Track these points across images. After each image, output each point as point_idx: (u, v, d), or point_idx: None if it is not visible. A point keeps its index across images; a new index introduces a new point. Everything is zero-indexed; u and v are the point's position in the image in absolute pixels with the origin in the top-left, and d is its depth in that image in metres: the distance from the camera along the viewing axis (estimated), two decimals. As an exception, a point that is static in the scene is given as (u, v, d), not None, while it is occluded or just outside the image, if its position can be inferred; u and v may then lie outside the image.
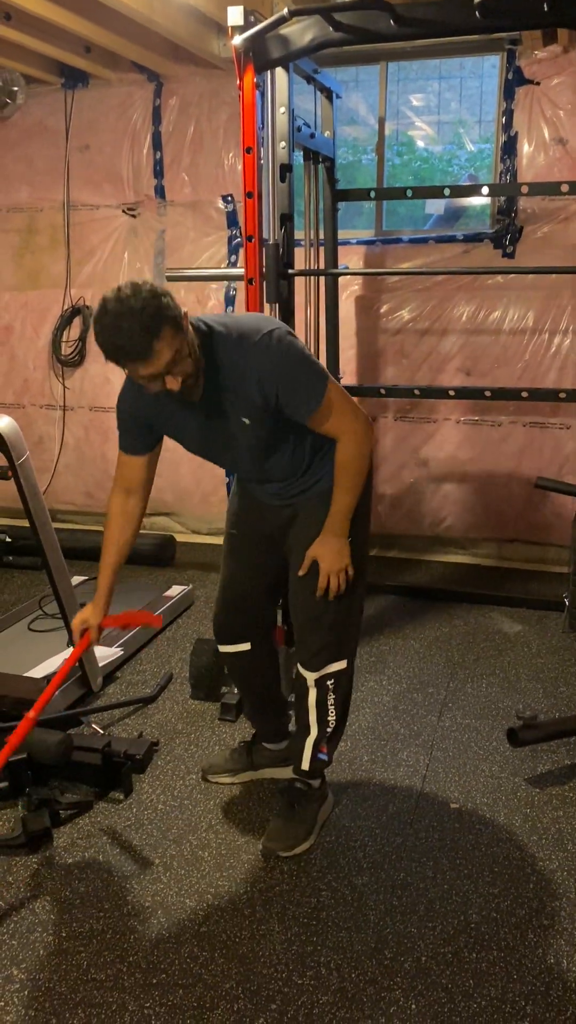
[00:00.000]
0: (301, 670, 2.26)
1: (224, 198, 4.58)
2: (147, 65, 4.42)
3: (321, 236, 3.87)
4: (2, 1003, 1.81)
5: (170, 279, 4.35)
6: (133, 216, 4.78)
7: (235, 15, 2.80)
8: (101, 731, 2.83)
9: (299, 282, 3.61)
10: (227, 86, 4.39)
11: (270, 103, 3.00)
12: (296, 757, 2.35)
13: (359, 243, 4.46)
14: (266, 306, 3.09)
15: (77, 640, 2.26)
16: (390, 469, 4.57)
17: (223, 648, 2.43)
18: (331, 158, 3.79)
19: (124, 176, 4.74)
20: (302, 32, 2.85)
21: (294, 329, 3.21)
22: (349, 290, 4.42)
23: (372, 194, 4.00)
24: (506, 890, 2.14)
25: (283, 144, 3.03)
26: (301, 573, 2.16)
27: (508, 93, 4.10)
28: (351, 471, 2.08)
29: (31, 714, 2.20)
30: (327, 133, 3.79)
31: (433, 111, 5.53)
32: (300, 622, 2.25)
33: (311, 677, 2.24)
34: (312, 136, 3.47)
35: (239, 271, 3.14)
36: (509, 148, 4.14)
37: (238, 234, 4.57)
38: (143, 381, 1.87)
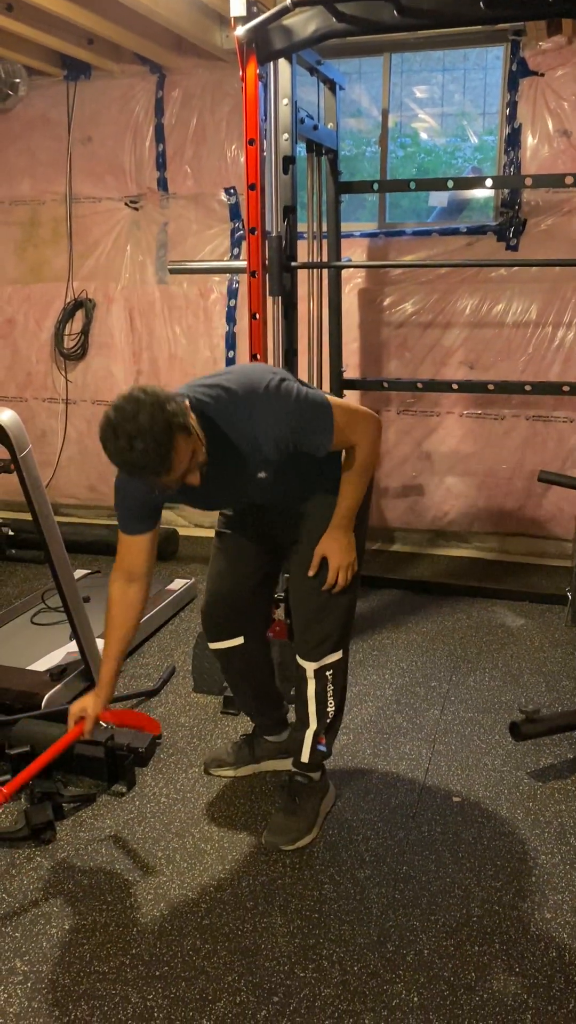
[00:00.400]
0: (301, 661, 2.26)
1: (227, 190, 4.56)
2: (149, 57, 4.40)
3: (324, 229, 3.86)
4: (6, 995, 1.81)
5: (172, 272, 4.35)
6: (136, 209, 4.77)
7: (238, 5, 2.78)
8: (104, 724, 2.83)
9: (302, 275, 3.60)
10: (230, 78, 4.37)
11: (273, 95, 2.99)
12: (296, 750, 2.36)
13: (362, 236, 4.44)
14: (269, 299, 3.08)
15: (71, 726, 2.22)
16: (393, 463, 4.57)
17: (214, 645, 2.42)
18: (334, 150, 3.78)
19: (126, 168, 4.73)
20: (305, 23, 2.83)
21: (297, 322, 3.22)
22: (352, 283, 4.41)
23: (375, 186, 3.99)
24: (508, 884, 2.15)
25: (286, 136, 3.02)
26: (311, 573, 2.17)
27: (512, 85, 4.07)
28: (362, 468, 2.10)
29: (22, 778, 2.21)
30: (330, 125, 3.77)
31: (437, 103, 5.51)
32: (304, 615, 2.25)
33: (311, 668, 2.24)
34: (315, 128, 3.46)
35: (242, 264, 3.13)
36: (513, 140, 4.12)
37: (241, 227, 4.56)
38: (161, 487, 1.86)
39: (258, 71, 2.86)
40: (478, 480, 4.47)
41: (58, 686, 2.88)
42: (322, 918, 2.03)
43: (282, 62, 2.95)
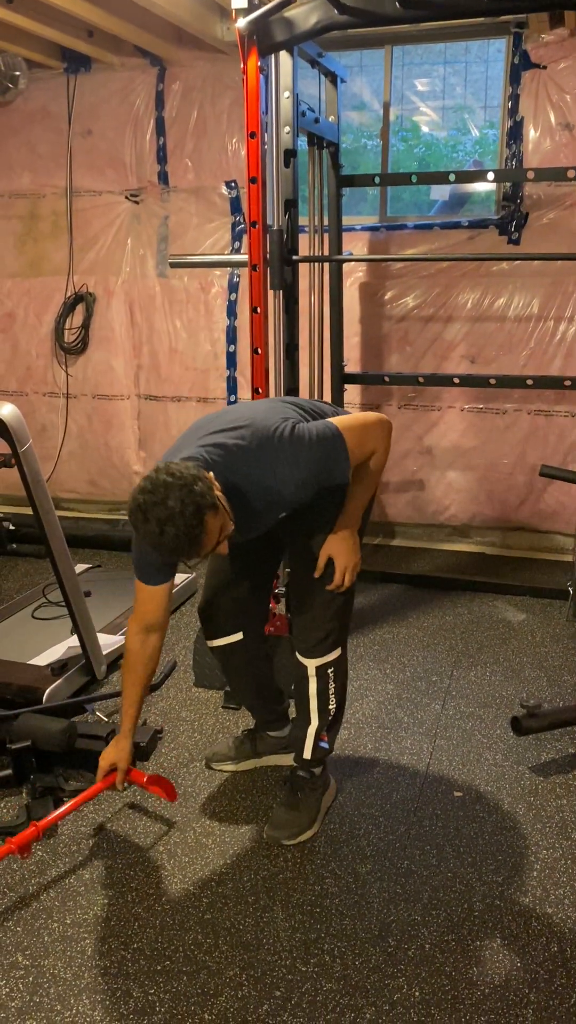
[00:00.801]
0: (302, 659, 2.26)
1: (228, 184, 4.55)
2: (150, 49, 4.38)
3: (325, 222, 3.84)
4: (7, 989, 1.81)
5: (173, 265, 4.34)
6: (136, 202, 4.76)
7: (239, -3, 2.78)
8: (105, 719, 2.84)
9: (303, 268, 3.59)
10: (231, 70, 4.35)
11: (274, 87, 2.98)
12: (298, 747, 2.35)
13: (363, 229, 4.43)
14: (270, 293, 3.07)
15: (101, 778, 2.24)
16: (394, 457, 4.55)
17: (213, 643, 2.41)
18: (335, 143, 3.76)
19: (127, 162, 4.71)
20: (307, 15, 2.82)
21: (298, 316, 3.21)
22: (353, 276, 4.40)
23: (377, 180, 3.98)
24: (510, 878, 2.15)
25: (287, 129, 3.01)
26: (317, 575, 2.17)
27: (514, 77, 4.06)
28: (372, 469, 2.11)
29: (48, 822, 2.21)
30: (331, 118, 3.76)
31: (438, 96, 5.48)
32: (306, 613, 2.24)
33: (312, 665, 2.24)
34: (316, 121, 3.44)
35: (243, 257, 3.12)
36: (515, 133, 4.10)
37: (242, 220, 4.54)
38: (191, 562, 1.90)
39: (259, 64, 2.85)
40: (479, 475, 4.47)
41: (59, 681, 2.88)
42: (324, 912, 2.03)
43: (283, 55, 2.94)
